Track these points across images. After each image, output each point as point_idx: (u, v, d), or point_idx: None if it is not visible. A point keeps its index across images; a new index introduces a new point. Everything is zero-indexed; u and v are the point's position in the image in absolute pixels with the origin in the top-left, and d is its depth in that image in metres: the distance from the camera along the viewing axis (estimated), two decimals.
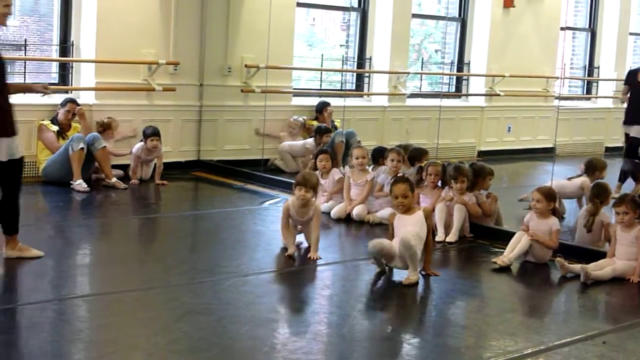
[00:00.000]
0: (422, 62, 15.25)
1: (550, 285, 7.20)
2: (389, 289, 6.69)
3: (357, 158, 9.33)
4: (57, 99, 10.26)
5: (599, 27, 16.26)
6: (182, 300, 6.03)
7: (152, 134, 10.43)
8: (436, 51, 15.55)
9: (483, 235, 8.40)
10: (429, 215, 7.14)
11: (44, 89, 7.20)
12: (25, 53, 10.89)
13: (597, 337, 5.64)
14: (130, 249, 7.62)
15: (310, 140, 11.67)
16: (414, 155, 9.46)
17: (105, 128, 10.44)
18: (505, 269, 7.27)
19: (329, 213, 9.11)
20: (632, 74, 11.81)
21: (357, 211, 8.96)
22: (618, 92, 13.73)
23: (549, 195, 7.64)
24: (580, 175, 9.72)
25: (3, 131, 6.62)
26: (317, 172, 9.41)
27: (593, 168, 9.78)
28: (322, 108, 12.26)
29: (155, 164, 10.55)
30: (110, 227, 8.47)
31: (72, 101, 10.24)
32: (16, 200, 6.79)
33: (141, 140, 10.48)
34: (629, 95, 11.65)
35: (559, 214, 8.28)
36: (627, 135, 11.51)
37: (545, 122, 14.37)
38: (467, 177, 8.46)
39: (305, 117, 12.14)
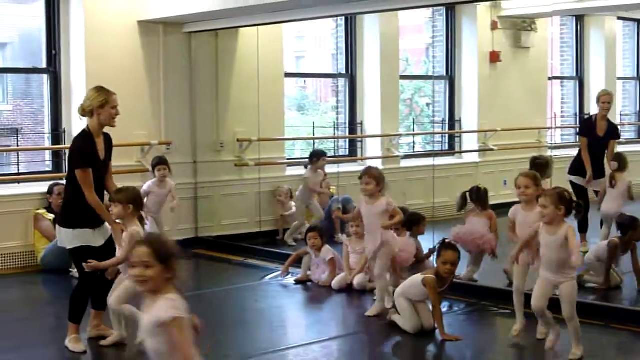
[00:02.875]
0: (415, 118, 15.31)
1: None
2: None
3: (352, 226, 9.29)
4: (44, 187, 10.35)
5: (587, 75, 16.33)
6: None
7: (158, 162, 10.31)
8: (427, 105, 15.63)
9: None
10: (431, 285, 7.13)
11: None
12: (18, 140, 10.96)
13: None
14: (129, 337, 7.55)
15: (306, 171, 11.68)
16: (411, 220, 9.19)
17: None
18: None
19: (330, 285, 9.09)
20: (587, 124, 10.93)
21: (357, 280, 8.90)
22: None
23: (537, 178, 7.25)
24: None
25: (97, 222, 6.85)
26: (310, 249, 9.38)
27: None
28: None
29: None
30: (110, 315, 8.41)
31: (57, 184, 10.20)
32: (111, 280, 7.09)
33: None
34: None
35: None
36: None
37: None
38: (376, 179, 7.84)
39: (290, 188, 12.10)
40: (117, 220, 6.81)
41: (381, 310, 7.78)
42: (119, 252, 6.75)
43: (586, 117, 11.44)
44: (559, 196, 6.28)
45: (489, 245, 8.78)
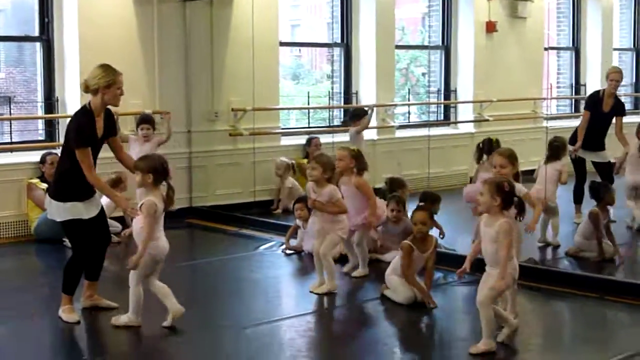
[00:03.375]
0: (410, 87, 15.25)
1: None
2: (398, 334, 6.63)
3: None
4: (37, 156, 10.26)
5: (583, 45, 16.32)
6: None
7: (142, 120, 10.22)
8: (423, 74, 15.57)
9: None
10: (406, 249, 7.17)
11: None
12: (10, 108, 10.89)
13: None
14: (124, 307, 7.49)
15: (352, 132, 11.68)
16: (426, 198, 8.95)
17: (117, 183, 10.32)
18: None
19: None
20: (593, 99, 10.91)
21: None
22: None
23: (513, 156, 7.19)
24: None
25: (88, 194, 6.83)
26: (298, 221, 9.35)
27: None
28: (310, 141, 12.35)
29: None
30: (104, 285, 8.38)
31: (50, 154, 10.13)
32: (103, 250, 7.13)
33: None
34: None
35: None
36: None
37: (535, 144, 14.29)
38: (322, 165, 7.63)
39: (292, 160, 11.99)
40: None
41: (332, 289, 7.66)
42: (136, 224, 6.66)
43: (594, 91, 11.29)
44: (496, 186, 5.99)
45: None
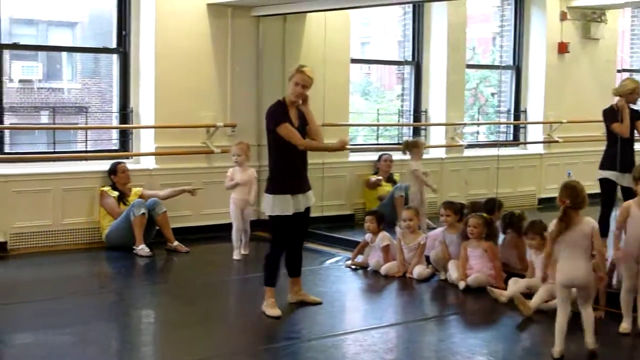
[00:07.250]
0: (479, 107, 15.20)
1: None
2: (455, 352, 6.62)
3: (404, 220, 9.23)
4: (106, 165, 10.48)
5: None
6: None
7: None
8: (492, 94, 15.51)
9: None
10: None
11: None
12: (87, 118, 11.12)
13: None
14: (192, 316, 7.58)
15: None
16: (489, 208, 9.40)
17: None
18: None
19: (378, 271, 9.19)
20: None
21: (419, 270, 8.90)
22: None
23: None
24: None
25: (298, 188, 7.37)
26: (367, 236, 9.42)
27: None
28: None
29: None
30: (172, 293, 8.52)
31: (119, 163, 10.37)
32: (300, 246, 7.76)
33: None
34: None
35: None
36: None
37: None
38: (540, 234, 7.92)
39: None
40: None
41: None
42: None
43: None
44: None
45: None
